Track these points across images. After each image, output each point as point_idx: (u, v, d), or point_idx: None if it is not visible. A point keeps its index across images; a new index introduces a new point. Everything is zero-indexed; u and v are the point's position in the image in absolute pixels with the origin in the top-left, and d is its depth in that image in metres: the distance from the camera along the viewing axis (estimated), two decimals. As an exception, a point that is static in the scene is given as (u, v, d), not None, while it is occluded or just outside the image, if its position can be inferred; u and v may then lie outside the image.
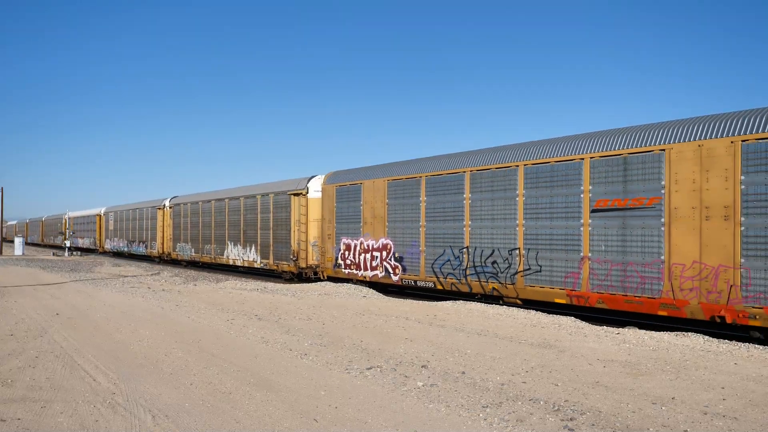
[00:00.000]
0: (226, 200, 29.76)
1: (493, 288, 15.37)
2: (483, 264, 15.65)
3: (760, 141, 10.32)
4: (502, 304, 15.26)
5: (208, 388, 7.31)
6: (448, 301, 15.92)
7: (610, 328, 11.75)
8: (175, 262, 36.45)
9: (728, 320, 10.83)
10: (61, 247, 54.62)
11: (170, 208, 36.62)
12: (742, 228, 10.61)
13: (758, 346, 9.92)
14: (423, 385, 7.39)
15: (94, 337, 10.61)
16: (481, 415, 6.27)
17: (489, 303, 15.51)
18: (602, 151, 12.91)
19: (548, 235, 13.99)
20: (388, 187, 18.94)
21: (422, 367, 8.38)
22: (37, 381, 7.58)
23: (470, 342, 10.24)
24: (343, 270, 20.92)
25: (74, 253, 49.70)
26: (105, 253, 49.80)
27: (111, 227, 48.85)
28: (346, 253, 20.80)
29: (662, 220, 11.85)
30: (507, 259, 14.97)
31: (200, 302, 15.64)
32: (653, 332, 11.21)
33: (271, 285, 21.32)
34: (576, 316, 13.32)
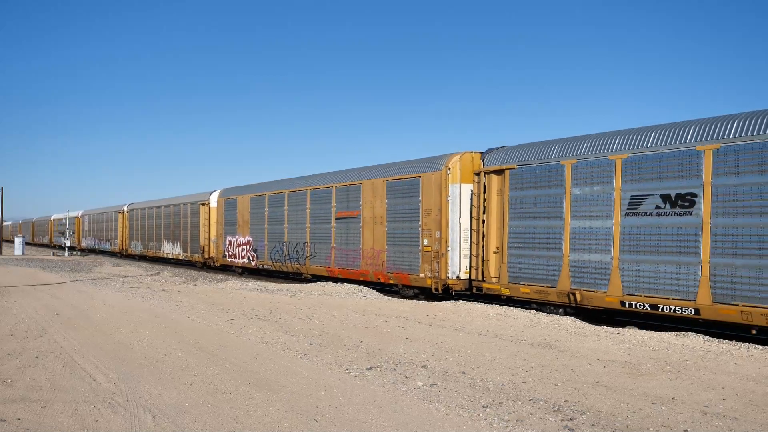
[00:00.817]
0: (162, 207, 38.26)
1: (297, 267, 23.81)
2: (292, 252, 24.17)
3: (393, 180, 18.87)
4: (303, 278, 23.38)
5: (208, 388, 7.31)
6: (448, 302, 15.93)
7: (610, 328, 11.76)
8: (131, 257, 44.51)
9: (383, 280, 19.08)
10: (51, 246, 57.11)
11: (127, 212, 44.92)
12: (387, 229, 18.92)
13: (758, 346, 9.93)
14: (423, 385, 7.39)
15: (94, 337, 10.61)
16: (481, 415, 6.27)
17: (295, 279, 24.00)
18: (339, 183, 21.50)
19: (319, 233, 22.53)
20: (250, 201, 27.47)
21: (422, 367, 8.38)
22: (37, 381, 7.58)
23: (470, 342, 10.24)
24: (227, 258, 29.43)
25: (74, 252, 50.02)
26: (82, 250, 56.17)
27: (86, 228, 56.51)
28: (230, 246, 29.29)
29: (360, 224, 20.19)
30: (303, 249, 23.48)
31: (200, 302, 15.64)
32: (653, 332, 11.22)
33: (271, 285, 21.35)
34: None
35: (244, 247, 27.80)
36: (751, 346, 9.92)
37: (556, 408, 6.49)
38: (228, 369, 8.25)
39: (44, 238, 75.49)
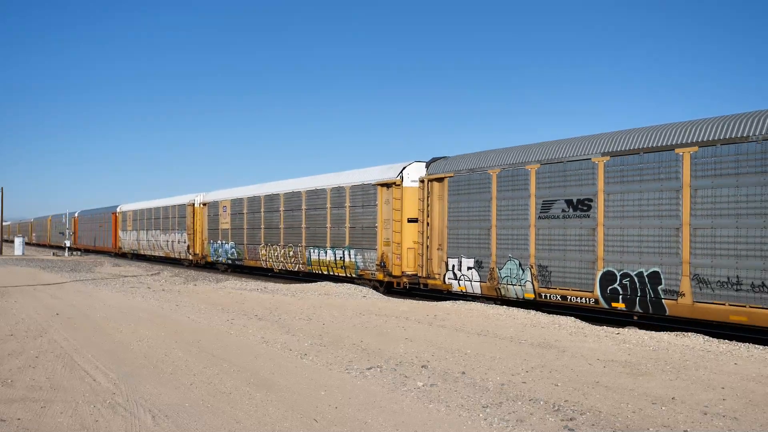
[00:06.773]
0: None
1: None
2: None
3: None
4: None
5: (208, 388, 7.31)
6: (447, 302, 15.93)
7: (610, 328, 11.76)
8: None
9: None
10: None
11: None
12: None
13: (758, 346, 9.93)
14: (423, 385, 7.39)
15: (94, 337, 10.61)
16: (481, 415, 6.27)
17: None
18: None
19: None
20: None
21: (422, 367, 8.38)
22: (37, 381, 7.58)
23: (470, 342, 10.24)
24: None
25: (74, 253, 50.15)
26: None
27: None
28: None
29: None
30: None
31: (200, 302, 15.64)
32: (653, 332, 11.22)
33: (271, 285, 21.33)
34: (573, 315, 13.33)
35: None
36: (751, 346, 9.92)
37: (556, 408, 6.49)
38: (228, 369, 8.25)
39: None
